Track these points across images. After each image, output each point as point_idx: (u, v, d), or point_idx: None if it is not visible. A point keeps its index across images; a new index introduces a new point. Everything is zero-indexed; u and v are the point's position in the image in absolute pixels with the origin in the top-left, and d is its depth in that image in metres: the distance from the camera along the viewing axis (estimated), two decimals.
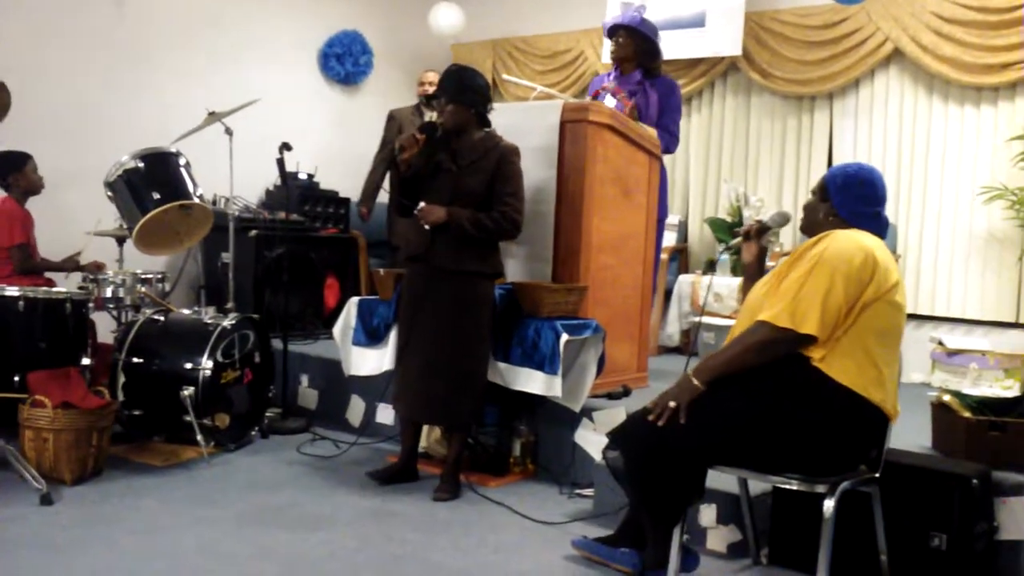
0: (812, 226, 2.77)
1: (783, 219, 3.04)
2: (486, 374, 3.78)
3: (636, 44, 4.64)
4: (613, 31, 4.72)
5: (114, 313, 4.52)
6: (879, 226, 2.70)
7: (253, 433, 4.44)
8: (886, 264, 2.56)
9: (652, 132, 4.44)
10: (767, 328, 2.54)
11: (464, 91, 3.67)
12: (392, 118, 6.23)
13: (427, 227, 3.62)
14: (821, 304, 2.48)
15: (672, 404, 2.58)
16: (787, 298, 2.53)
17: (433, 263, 3.67)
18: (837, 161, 5.86)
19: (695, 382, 2.59)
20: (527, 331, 3.78)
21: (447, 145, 3.69)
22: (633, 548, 2.88)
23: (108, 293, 4.36)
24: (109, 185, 4.22)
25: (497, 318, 3.82)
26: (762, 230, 2.99)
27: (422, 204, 3.62)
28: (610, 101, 4.50)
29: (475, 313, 3.70)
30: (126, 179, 4.17)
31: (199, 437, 3.98)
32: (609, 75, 4.81)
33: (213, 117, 4.61)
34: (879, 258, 2.54)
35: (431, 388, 3.65)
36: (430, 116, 4.28)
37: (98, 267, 4.59)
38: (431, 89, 5.86)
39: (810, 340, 2.51)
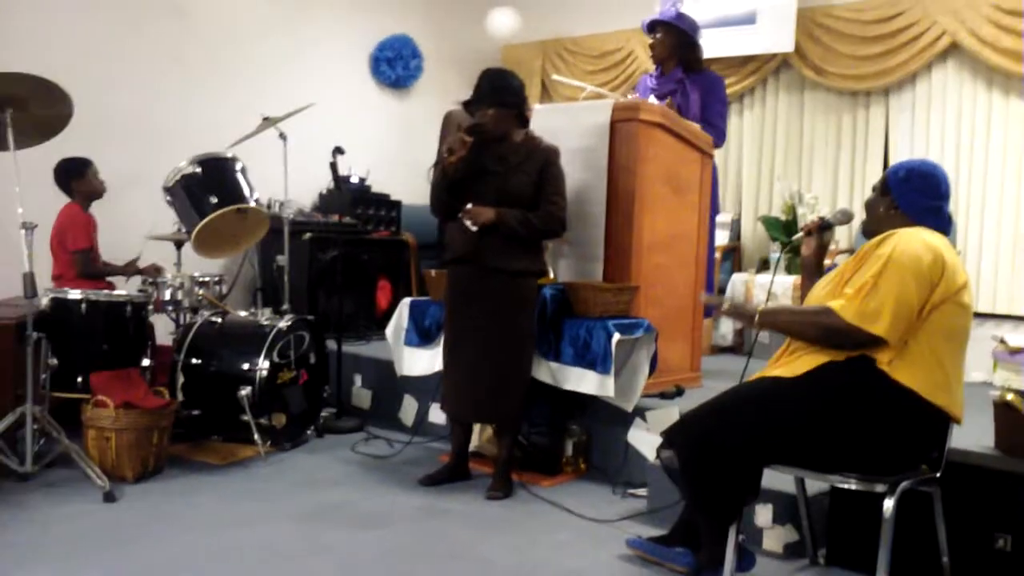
0: (873, 223, 2.72)
1: (846, 217, 3.00)
2: (530, 372, 3.78)
3: (674, 39, 4.60)
4: (651, 28, 4.68)
5: (173, 315, 4.61)
6: (941, 222, 2.63)
7: (309, 432, 4.51)
8: (954, 264, 2.49)
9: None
10: (836, 317, 2.48)
11: (504, 93, 3.68)
12: (450, 117, 6.03)
13: (474, 228, 3.64)
14: (894, 306, 2.42)
15: (724, 307, 2.86)
16: (859, 296, 2.47)
17: (480, 263, 3.68)
18: (893, 157, 5.77)
19: (755, 319, 2.71)
20: (579, 331, 3.77)
21: (491, 147, 3.71)
22: (688, 548, 2.87)
23: (167, 296, 4.44)
24: (168, 190, 4.30)
25: (549, 318, 3.83)
26: (824, 227, 2.95)
27: (469, 205, 3.65)
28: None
29: (521, 312, 3.71)
30: (184, 184, 4.25)
31: (256, 436, 4.04)
32: (651, 76, 4.78)
33: (268, 122, 4.67)
34: (947, 258, 2.48)
35: (477, 388, 3.67)
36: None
37: (156, 270, 4.68)
38: None
39: (877, 341, 2.45)
